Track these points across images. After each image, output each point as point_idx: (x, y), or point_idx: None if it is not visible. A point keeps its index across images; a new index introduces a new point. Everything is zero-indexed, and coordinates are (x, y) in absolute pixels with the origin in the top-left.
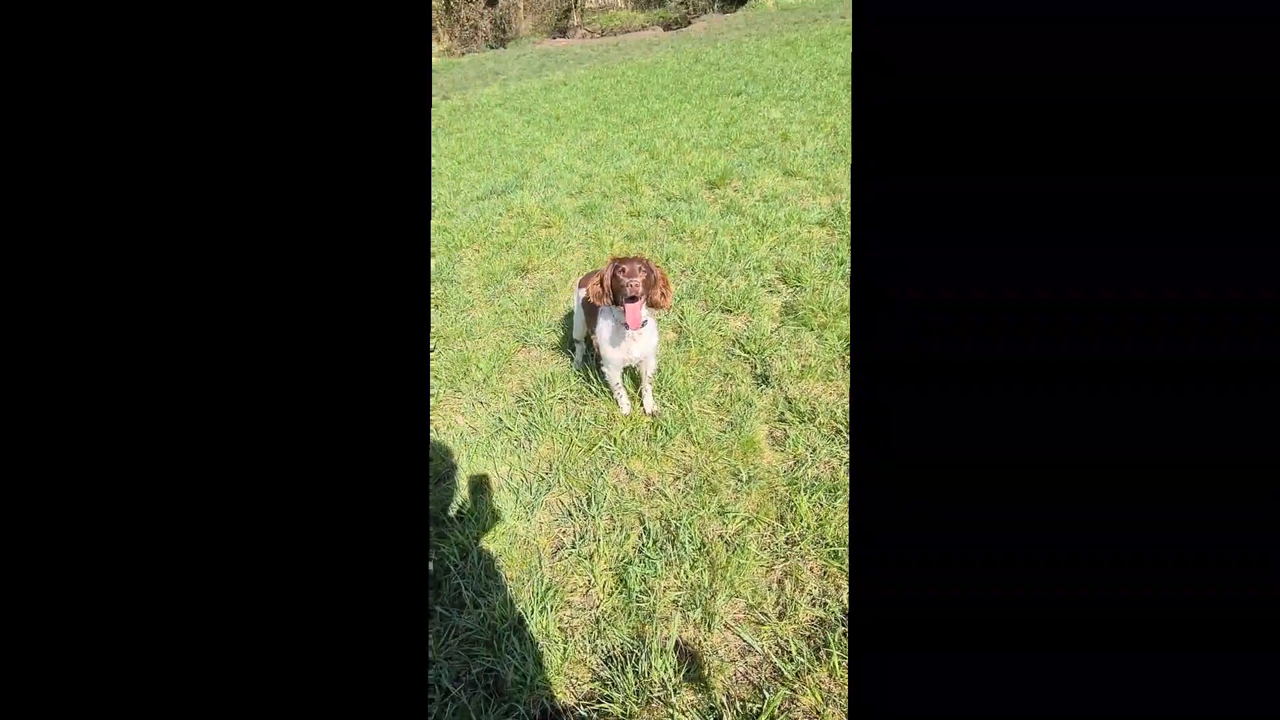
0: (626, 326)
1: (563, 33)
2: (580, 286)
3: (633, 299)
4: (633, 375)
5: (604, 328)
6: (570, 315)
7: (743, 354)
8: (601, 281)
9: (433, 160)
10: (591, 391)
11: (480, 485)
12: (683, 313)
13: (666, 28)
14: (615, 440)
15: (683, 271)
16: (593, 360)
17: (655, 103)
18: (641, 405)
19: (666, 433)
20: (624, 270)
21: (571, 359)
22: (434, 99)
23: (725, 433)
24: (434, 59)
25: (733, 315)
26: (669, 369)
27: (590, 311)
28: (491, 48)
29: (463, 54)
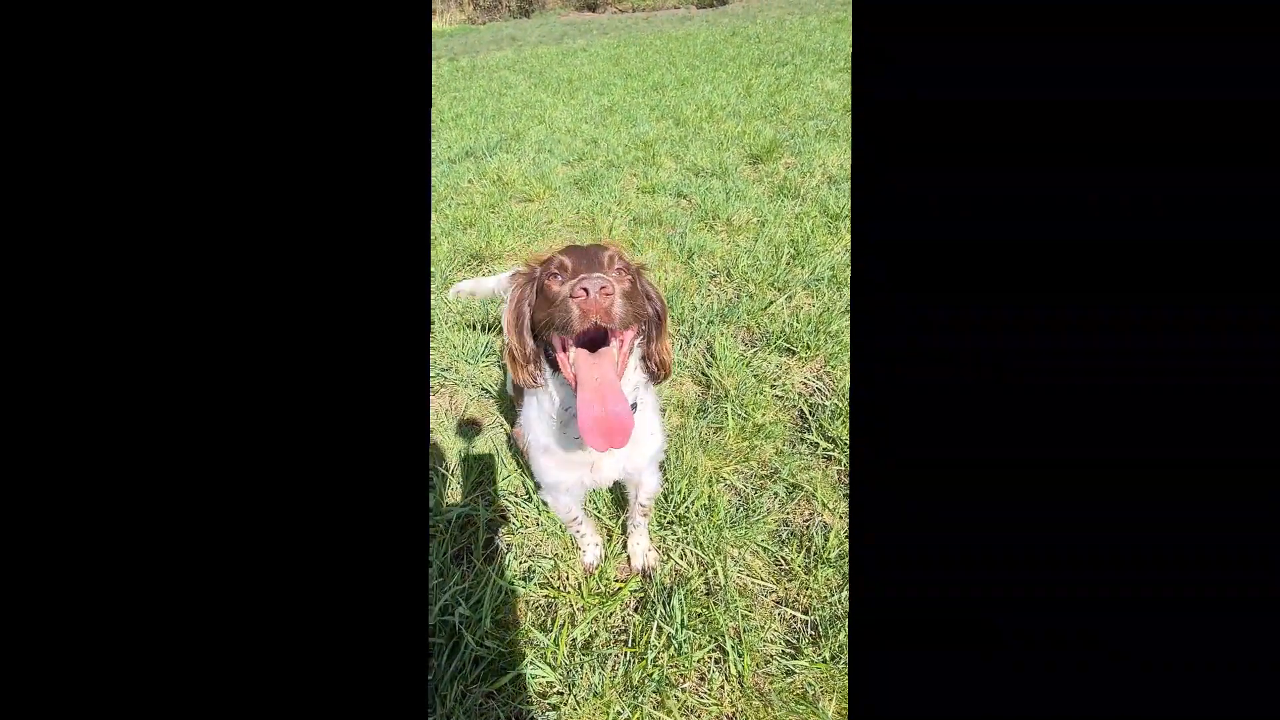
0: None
1: (591, 8)
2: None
3: (594, 339)
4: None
5: (534, 416)
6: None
7: (822, 440)
8: (515, 309)
9: None
10: (531, 501)
11: None
12: (711, 349)
13: (700, 6)
14: (555, 657)
15: (713, 278)
16: None
17: (685, 70)
18: (625, 551)
19: (673, 641)
20: (563, 265)
21: (507, 432)
22: (441, 59)
23: (802, 652)
24: (453, 26)
25: (797, 359)
26: (678, 462)
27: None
28: (514, 18)
29: (484, 23)
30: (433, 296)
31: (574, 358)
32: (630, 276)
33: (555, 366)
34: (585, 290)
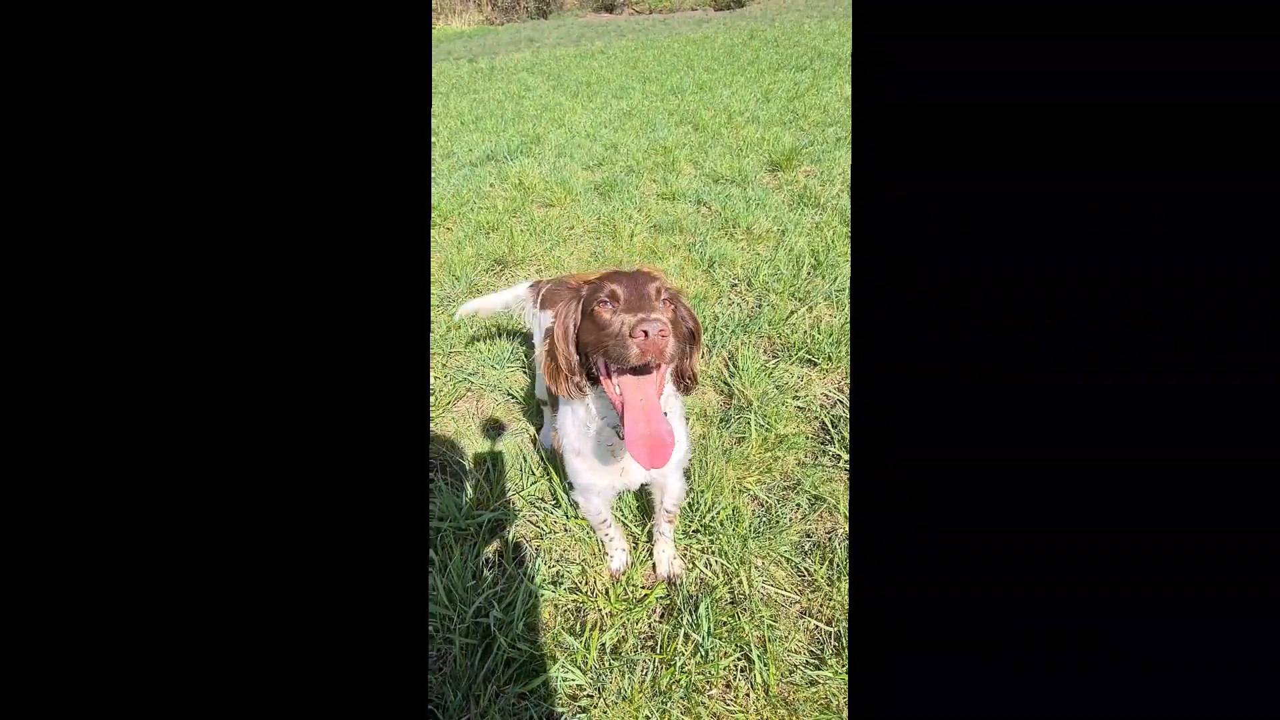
0: (619, 439)
1: (609, 9)
2: (541, 305)
3: (643, 369)
4: (638, 492)
5: (570, 423)
6: (533, 348)
7: (843, 452)
8: (564, 327)
9: (434, 120)
10: (559, 507)
11: None
12: (733, 359)
13: (719, 8)
14: (585, 661)
15: (733, 287)
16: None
17: (703, 74)
18: (651, 559)
19: (700, 649)
20: (614, 295)
21: (532, 436)
22: (460, 60)
23: (826, 663)
24: (470, 26)
25: (818, 370)
26: (702, 472)
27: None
28: (532, 19)
29: (502, 23)
30: (450, 308)
31: (618, 381)
32: (674, 306)
33: (595, 381)
34: (645, 333)
